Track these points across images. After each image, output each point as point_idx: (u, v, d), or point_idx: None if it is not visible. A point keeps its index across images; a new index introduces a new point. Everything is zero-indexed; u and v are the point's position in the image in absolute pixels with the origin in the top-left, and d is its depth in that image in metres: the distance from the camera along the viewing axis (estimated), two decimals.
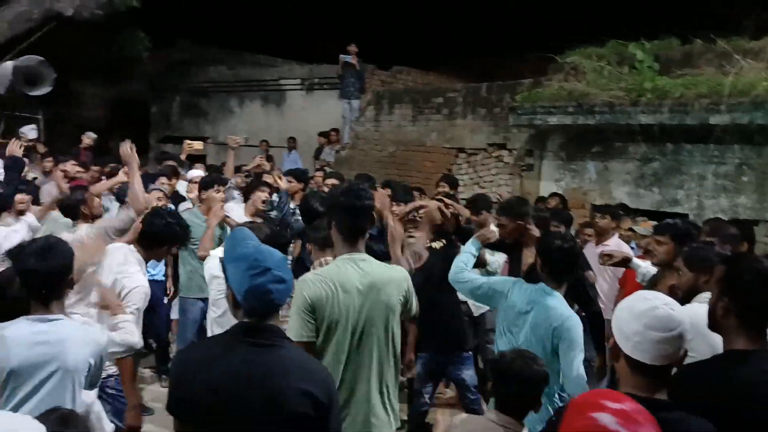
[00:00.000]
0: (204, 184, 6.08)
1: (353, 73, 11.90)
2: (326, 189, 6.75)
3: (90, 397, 2.85)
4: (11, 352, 2.50)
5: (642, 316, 1.90)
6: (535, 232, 4.26)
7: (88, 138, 10.58)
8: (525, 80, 9.60)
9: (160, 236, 3.84)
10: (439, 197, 5.13)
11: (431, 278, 4.35)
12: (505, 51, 14.83)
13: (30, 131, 10.22)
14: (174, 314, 6.39)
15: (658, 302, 1.92)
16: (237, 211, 5.96)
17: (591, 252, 5.63)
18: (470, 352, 4.92)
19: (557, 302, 3.44)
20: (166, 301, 6.35)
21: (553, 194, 7.86)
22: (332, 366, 2.72)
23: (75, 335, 2.62)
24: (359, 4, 15.87)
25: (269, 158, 11.62)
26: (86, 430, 2.34)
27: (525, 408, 2.75)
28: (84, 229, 4.44)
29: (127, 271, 3.68)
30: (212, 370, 2.05)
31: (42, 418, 2.18)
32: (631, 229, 7.59)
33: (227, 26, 17.05)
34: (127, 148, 4.59)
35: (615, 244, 5.88)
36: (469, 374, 4.72)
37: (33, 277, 2.63)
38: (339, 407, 2.31)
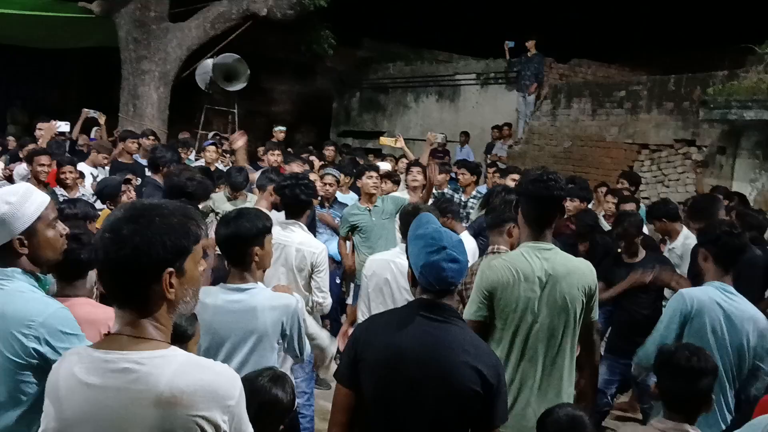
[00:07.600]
0: (357, 173, 6.47)
1: (530, 67, 11.69)
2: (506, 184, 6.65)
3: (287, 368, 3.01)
4: (212, 318, 2.72)
5: None
6: None
7: (281, 132, 11.08)
8: (718, 72, 8.93)
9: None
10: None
11: None
12: (694, 43, 13.87)
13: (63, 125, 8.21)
14: (349, 300, 6.65)
15: None
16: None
17: None
18: None
19: None
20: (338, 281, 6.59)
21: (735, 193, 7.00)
22: (505, 352, 2.76)
23: (264, 302, 2.81)
24: None
25: (445, 152, 11.73)
26: (293, 393, 2.47)
27: (695, 407, 2.49)
28: None
29: None
30: (390, 340, 2.18)
31: (258, 373, 2.43)
32: None
33: (408, 24, 17.48)
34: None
35: None
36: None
37: (222, 244, 2.87)
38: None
